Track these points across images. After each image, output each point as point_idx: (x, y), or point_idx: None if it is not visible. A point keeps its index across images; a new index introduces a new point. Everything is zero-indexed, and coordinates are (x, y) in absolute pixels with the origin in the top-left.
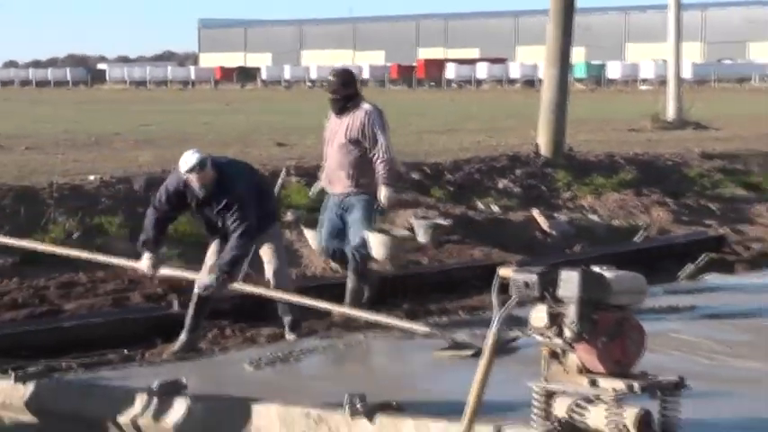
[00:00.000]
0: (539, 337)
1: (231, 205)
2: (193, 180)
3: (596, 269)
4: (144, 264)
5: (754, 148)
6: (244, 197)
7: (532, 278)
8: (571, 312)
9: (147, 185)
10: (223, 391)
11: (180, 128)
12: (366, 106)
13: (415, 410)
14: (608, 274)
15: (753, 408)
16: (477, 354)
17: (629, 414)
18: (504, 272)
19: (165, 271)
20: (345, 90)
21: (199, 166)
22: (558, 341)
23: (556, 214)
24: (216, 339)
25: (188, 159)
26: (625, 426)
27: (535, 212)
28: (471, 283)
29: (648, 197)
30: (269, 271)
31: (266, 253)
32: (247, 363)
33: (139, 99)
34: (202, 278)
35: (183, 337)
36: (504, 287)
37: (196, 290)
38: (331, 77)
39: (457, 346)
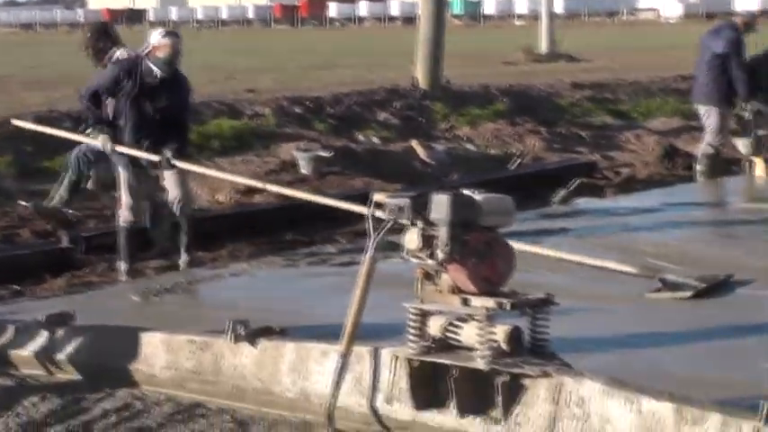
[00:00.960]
0: (413, 260)
1: (184, 96)
2: (166, 47)
3: (466, 192)
4: (102, 141)
5: (622, 78)
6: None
7: (405, 202)
8: (443, 234)
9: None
10: (111, 323)
11: (68, 69)
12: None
13: (297, 334)
14: (477, 196)
15: (619, 324)
16: (697, 294)
17: (500, 331)
18: (378, 197)
19: (121, 149)
20: (97, 43)
21: (176, 34)
22: (431, 262)
23: (434, 144)
24: (104, 273)
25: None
26: (497, 342)
27: (414, 143)
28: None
29: (522, 126)
30: (177, 194)
31: (174, 177)
32: (136, 294)
33: (28, 42)
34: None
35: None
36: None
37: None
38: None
39: (670, 286)
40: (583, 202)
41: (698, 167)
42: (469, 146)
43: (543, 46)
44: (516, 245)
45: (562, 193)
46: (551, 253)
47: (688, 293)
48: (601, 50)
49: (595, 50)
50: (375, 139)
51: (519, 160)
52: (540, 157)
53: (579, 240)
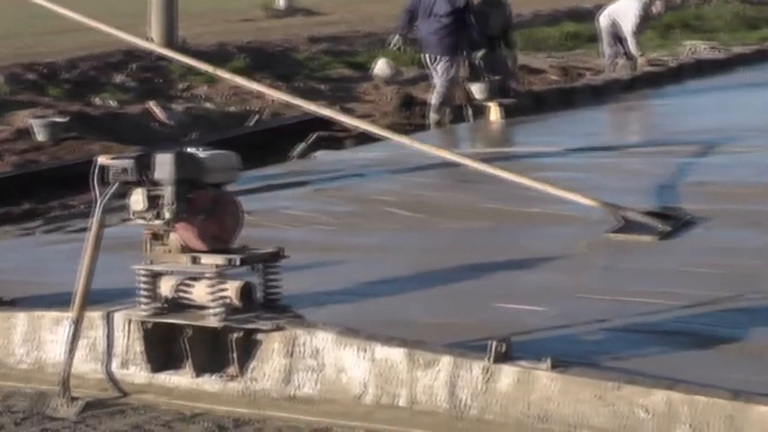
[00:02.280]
0: (139, 221)
1: None
2: None
3: (189, 150)
4: None
5: (359, 29)
6: None
7: (129, 163)
8: (168, 193)
9: None
10: None
11: None
12: None
13: (32, 304)
14: (201, 154)
15: (357, 274)
16: (663, 236)
17: (231, 287)
18: (102, 160)
19: None
20: None
21: None
22: (158, 222)
23: (172, 105)
24: None
25: None
26: (228, 298)
27: (151, 104)
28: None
29: (261, 82)
30: None
31: None
32: None
33: None
34: None
35: None
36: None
37: None
38: None
39: (632, 227)
40: (321, 155)
41: (431, 116)
42: (208, 104)
43: (281, 1)
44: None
45: (301, 146)
46: (506, 175)
47: (650, 237)
48: (338, 3)
49: (332, 3)
50: (112, 103)
51: (257, 117)
52: (279, 113)
53: (319, 193)
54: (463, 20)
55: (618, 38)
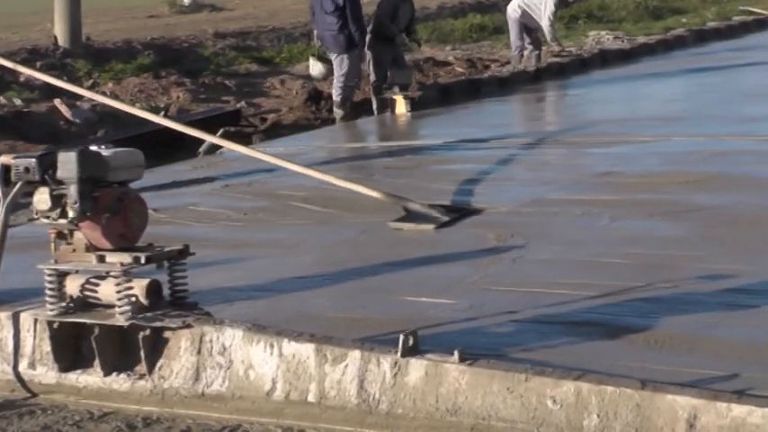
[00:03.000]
0: (44, 220)
1: None
2: None
3: (93, 148)
4: None
5: (264, 24)
6: None
7: (32, 162)
8: (72, 192)
9: None
10: None
11: None
12: None
13: None
14: (105, 152)
15: (266, 270)
16: (441, 226)
17: (138, 285)
18: (4, 159)
19: None
20: None
21: None
22: (63, 222)
23: (78, 103)
24: None
25: None
26: (135, 296)
27: (57, 102)
28: None
29: (167, 79)
30: None
31: None
32: None
33: None
34: None
35: None
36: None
37: None
38: None
39: (413, 217)
40: (228, 151)
41: (335, 111)
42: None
43: None
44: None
45: (208, 142)
46: (299, 168)
47: (431, 226)
48: None
49: None
50: (17, 101)
51: (164, 113)
52: (186, 109)
53: (228, 189)
54: (352, 16)
55: (526, 29)
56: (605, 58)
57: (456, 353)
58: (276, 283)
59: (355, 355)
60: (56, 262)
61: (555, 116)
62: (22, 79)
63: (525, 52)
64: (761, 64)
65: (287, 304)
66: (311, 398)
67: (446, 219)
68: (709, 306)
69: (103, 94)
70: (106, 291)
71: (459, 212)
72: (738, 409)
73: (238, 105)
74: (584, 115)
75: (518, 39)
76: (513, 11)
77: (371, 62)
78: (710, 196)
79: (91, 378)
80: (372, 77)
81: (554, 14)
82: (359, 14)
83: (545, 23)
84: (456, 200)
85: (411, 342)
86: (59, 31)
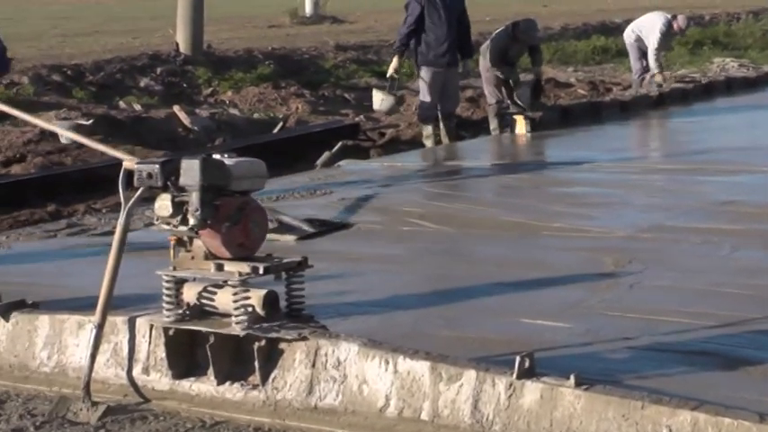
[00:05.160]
0: (165, 227)
1: None
2: None
3: (217, 156)
4: None
5: (386, 38)
6: None
7: (155, 168)
8: (194, 200)
9: None
10: None
11: None
12: None
13: (55, 307)
14: (228, 160)
15: (383, 286)
16: (305, 237)
17: (255, 295)
18: (128, 164)
19: None
20: None
21: None
22: (183, 229)
23: (197, 110)
24: None
25: None
26: (252, 306)
27: (176, 109)
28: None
29: (287, 90)
30: None
31: None
32: None
33: None
34: None
35: None
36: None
37: None
38: None
39: (282, 228)
40: (346, 165)
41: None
42: (234, 111)
43: (308, 8)
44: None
45: (326, 155)
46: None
47: (292, 237)
48: (365, 11)
49: (360, 11)
50: (137, 106)
51: (283, 124)
52: (305, 121)
53: (343, 203)
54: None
55: (644, 53)
56: (730, 86)
57: (572, 377)
58: (391, 298)
59: (470, 375)
60: (174, 269)
61: (675, 142)
62: (142, 84)
63: (647, 76)
64: None
65: (401, 321)
66: (424, 416)
67: (312, 231)
68: None
69: (223, 102)
70: (223, 299)
71: (328, 227)
72: None
73: (357, 119)
74: (706, 142)
75: (637, 62)
76: (627, 35)
77: (488, 83)
78: None
79: (204, 386)
80: (490, 98)
81: (659, 42)
82: (403, 25)
83: (650, 52)
84: (571, 223)
85: (527, 364)
86: (181, 38)
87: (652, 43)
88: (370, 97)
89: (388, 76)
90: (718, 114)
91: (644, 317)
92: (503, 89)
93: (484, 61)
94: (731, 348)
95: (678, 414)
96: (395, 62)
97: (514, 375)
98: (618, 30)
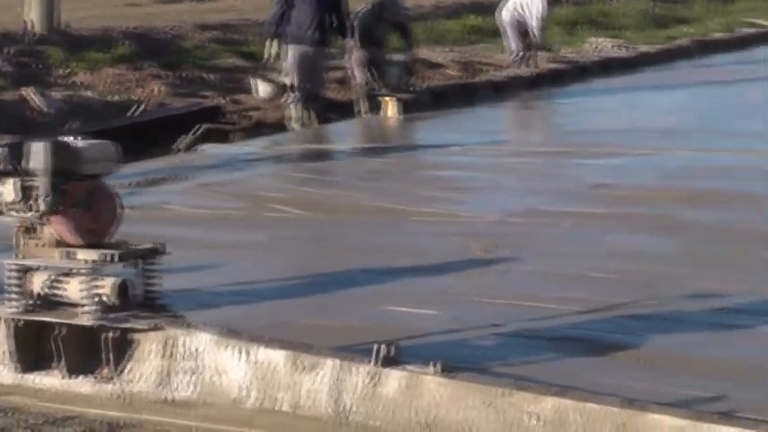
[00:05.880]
0: (11, 213)
1: None
2: None
3: (65, 139)
4: None
5: (250, 17)
6: None
7: (0, 152)
8: (42, 184)
9: None
10: None
11: None
12: None
13: None
14: (78, 143)
15: (244, 273)
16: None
17: (107, 284)
18: None
19: None
20: None
21: None
22: (31, 215)
23: (50, 92)
24: None
25: None
26: (103, 296)
27: (27, 91)
28: None
29: (145, 71)
30: None
31: None
32: None
33: None
34: None
35: None
36: None
37: None
38: None
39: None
40: (208, 149)
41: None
42: (89, 93)
43: None
44: None
45: (187, 139)
46: None
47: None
48: None
49: None
50: None
51: (141, 106)
52: (164, 103)
53: (204, 188)
54: None
55: (525, 31)
56: (606, 67)
57: (435, 365)
58: (252, 287)
59: (330, 364)
60: (21, 257)
61: (550, 124)
62: None
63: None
64: (765, 79)
65: (264, 310)
66: (283, 407)
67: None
68: (698, 325)
69: (78, 84)
70: (73, 289)
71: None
72: (724, 431)
73: (217, 101)
74: (581, 124)
75: (517, 41)
76: (505, 14)
77: (356, 63)
78: (704, 213)
79: (52, 380)
80: (358, 79)
81: (544, 13)
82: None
83: (535, 23)
84: (441, 208)
85: (389, 352)
86: (34, 16)
87: (536, 15)
88: (234, 79)
89: (263, 61)
90: (594, 95)
91: (512, 303)
92: (371, 70)
93: (349, 41)
94: (599, 334)
95: (543, 400)
96: (268, 45)
97: (377, 363)
98: (492, 8)
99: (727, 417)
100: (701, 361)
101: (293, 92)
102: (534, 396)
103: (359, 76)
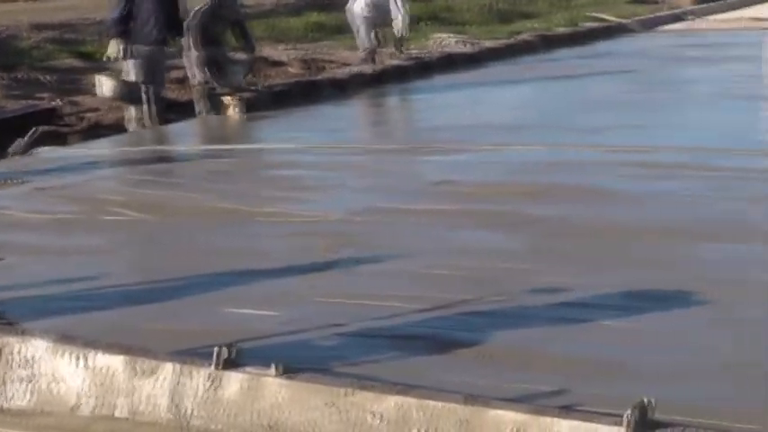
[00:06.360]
0: None
1: None
2: None
3: None
4: None
5: (89, 16)
6: None
7: None
8: None
9: None
10: None
11: None
12: None
13: None
14: None
15: (82, 278)
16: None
17: None
18: None
19: None
20: None
21: None
22: None
23: None
24: None
25: None
26: None
27: None
28: None
29: None
30: None
31: None
32: None
33: None
34: None
35: None
36: None
37: None
38: None
39: None
40: (44, 152)
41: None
42: None
43: None
44: None
45: (21, 142)
46: None
47: None
48: None
49: None
50: None
51: None
52: None
53: (41, 192)
54: None
55: (378, 26)
56: (449, 63)
57: (276, 366)
58: (91, 292)
59: (169, 368)
60: None
61: (395, 121)
62: None
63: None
64: (607, 73)
65: (103, 315)
66: (121, 413)
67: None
68: (540, 320)
69: None
70: None
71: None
72: (564, 425)
73: (54, 103)
74: (426, 121)
75: (370, 37)
76: (357, 7)
77: (194, 62)
78: (546, 207)
79: None
80: (197, 78)
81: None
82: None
83: (400, 17)
84: (283, 208)
85: (228, 354)
86: None
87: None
88: (72, 80)
89: (104, 58)
90: (438, 92)
91: (356, 302)
92: (211, 69)
93: (186, 40)
94: (443, 331)
95: (385, 399)
96: (112, 45)
97: (215, 366)
98: (334, 5)
99: (567, 411)
100: (544, 356)
101: (138, 91)
102: (376, 395)
103: (198, 75)
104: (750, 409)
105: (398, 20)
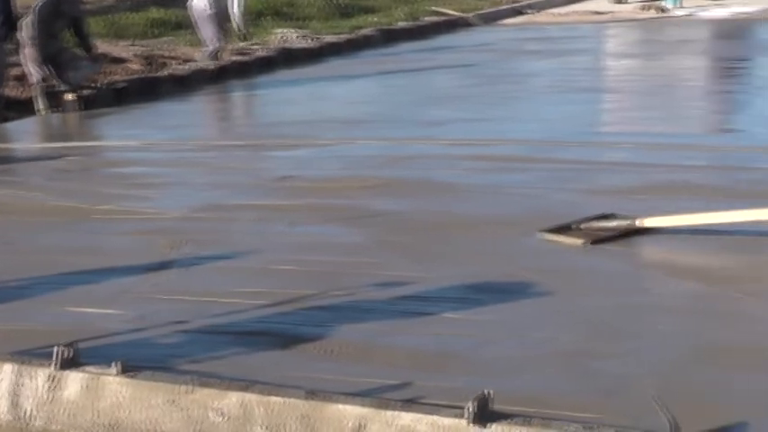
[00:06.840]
0: None
1: None
2: None
3: None
4: None
5: None
6: None
7: None
8: None
9: None
10: None
11: None
12: None
13: None
14: None
15: None
16: None
17: None
18: None
19: None
20: None
21: None
22: None
23: None
24: None
25: None
26: None
27: None
28: None
29: None
30: None
31: None
32: None
33: None
34: None
35: None
36: None
37: None
38: None
39: None
40: None
41: None
42: None
43: None
44: None
45: None
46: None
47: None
48: None
49: None
50: None
51: None
52: None
53: None
54: None
55: (219, 21)
56: (290, 58)
57: (116, 365)
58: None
59: (8, 369)
60: None
61: (236, 117)
62: None
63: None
64: (448, 67)
65: None
66: None
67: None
68: (384, 314)
69: None
70: None
71: None
72: (406, 418)
73: None
74: (267, 116)
75: (218, 33)
76: (203, 5)
77: (31, 59)
78: (389, 201)
79: None
80: (36, 75)
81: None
82: None
83: (237, 11)
84: (123, 205)
85: (68, 354)
86: None
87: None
88: None
89: None
90: (279, 87)
91: (198, 299)
92: (49, 66)
93: (26, 36)
94: (285, 327)
95: (227, 396)
96: None
97: (54, 366)
98: (173, 1)
99: (409, 403)
100: (386, 349)
101: None
102: (218, 392)
103: (35, 72)
104: (587, 398)
105: (235, 12)
